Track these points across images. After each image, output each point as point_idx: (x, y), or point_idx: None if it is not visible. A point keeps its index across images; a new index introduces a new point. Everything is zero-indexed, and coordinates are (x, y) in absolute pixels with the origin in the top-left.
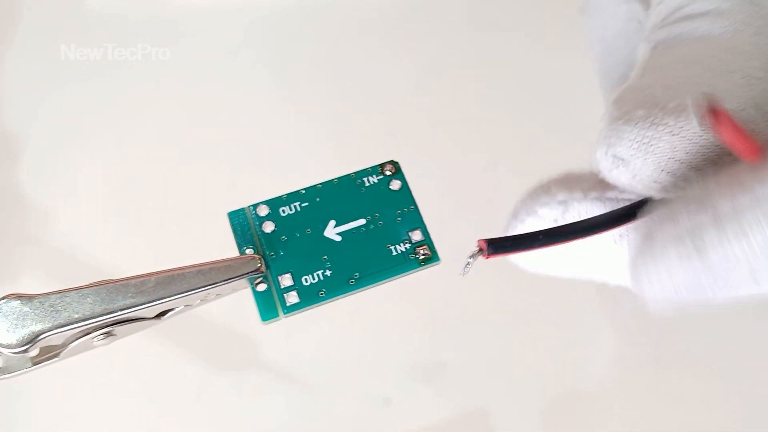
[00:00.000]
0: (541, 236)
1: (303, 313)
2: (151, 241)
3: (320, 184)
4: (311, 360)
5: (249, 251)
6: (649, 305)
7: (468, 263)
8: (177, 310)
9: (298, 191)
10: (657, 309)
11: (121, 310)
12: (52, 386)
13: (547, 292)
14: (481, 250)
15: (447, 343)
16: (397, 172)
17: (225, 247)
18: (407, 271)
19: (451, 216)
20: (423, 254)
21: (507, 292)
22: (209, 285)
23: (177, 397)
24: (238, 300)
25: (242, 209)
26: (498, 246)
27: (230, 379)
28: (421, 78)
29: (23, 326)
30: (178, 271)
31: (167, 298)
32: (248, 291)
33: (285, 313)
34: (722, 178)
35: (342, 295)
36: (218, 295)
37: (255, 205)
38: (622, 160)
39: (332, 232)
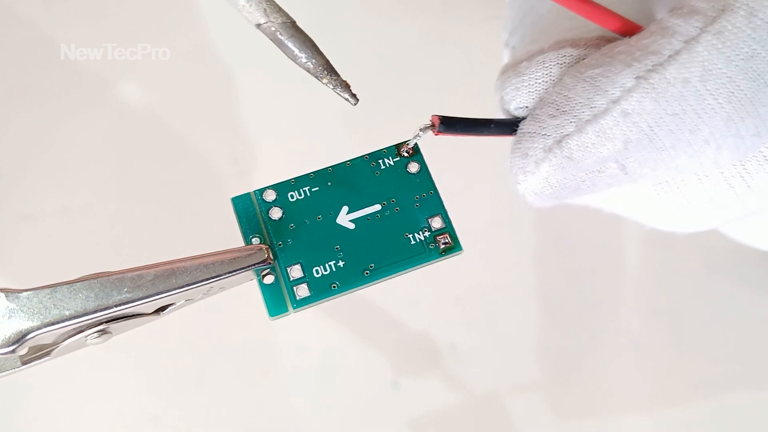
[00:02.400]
0: (492, 125)
1: (314, 308)
2: (149, 231)
3: (331, 167)
4: (318, 343)
5: (255, 240)
6: (527, 199)
7: (417, 135)
8: (178, 304)
9: (307, 175)
10: (534, 202)
11: (116, 306)
12: (46, 379)
13: (558, 274)
14: (432, 125)
15: (457, 325)
16: (416, 154)
17: (229, 236)
18: (427, 261)
19: (468, 199)
20: (444, 243)
21: (519, 272)
22: (212, 278)
23: (180, 382)
24: (244, 290)
25: (247, 194)
26: (450, 124)
27: (235, 364)
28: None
29: (10, 324)
30: (178, 264)
31: (167, 292)
32: (254, 283)
33: (295, 308)
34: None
35: (356, 288)
36: (222, 289)
37: (261, 190)
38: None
39: (345, 219)
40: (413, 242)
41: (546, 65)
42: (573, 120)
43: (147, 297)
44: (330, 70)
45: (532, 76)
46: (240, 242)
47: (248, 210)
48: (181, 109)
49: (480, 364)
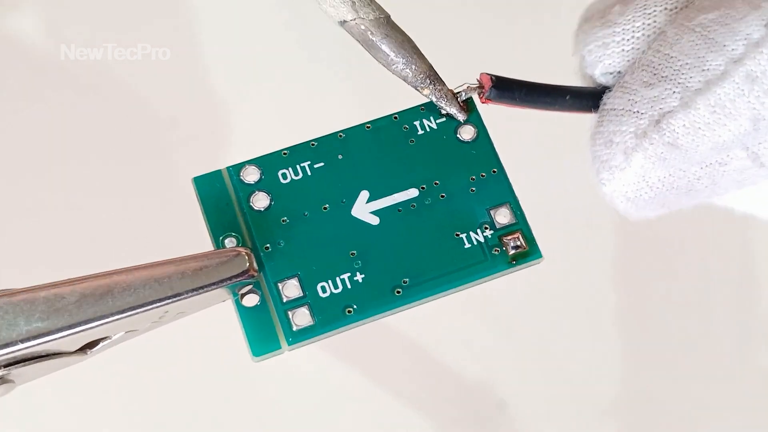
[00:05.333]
0: (566, 96)
1: (318, 343)
2: (75, 229)
3: (344, 131)
4: (318, 389)
5: (230, 242)
6: (617, 207)
7: (459, 93)
8: (114, 338)
9: (307, 143)
10: (629, 211)
11: (22, 341)
12: None
13: (655, 297)
14: (480, 88)
15: (509, 372)
16: (471, 112)
17: (192, 235)
18: (489, 274)
19: (531, 186)
20: (515, 247)
21: (598, 294)
22: (166, 299)
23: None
24: (216, 315)
25: (217, 173)
26: (506, 89)
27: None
28: None
29: None
30: (117, 277)
31: (98, 321)
32: (230, 306)
33: (291, 344)
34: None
35: (381, 314)
36: (181, 314)
37: (238, 167)
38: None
39: (365, 210)
40: (467, 245)
41: (648, 11)
42: (677, 89)
43: (68, 328)
44: (434, 78)
45: (627, 27)
46: (208, 246)
47: (219, 196)
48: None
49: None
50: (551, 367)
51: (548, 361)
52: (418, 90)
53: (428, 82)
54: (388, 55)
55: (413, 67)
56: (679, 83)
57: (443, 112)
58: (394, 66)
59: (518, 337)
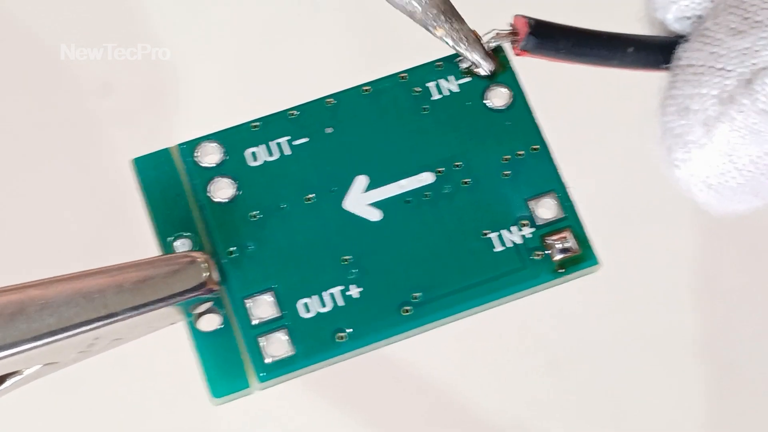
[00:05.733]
0: (629, 47)
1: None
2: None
3: (334, 95)
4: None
5: (181, 245)
6: (695, 196)
7: (486, 43)
8: (29, 372)
9: (284, 112)
10: (710, 202)
11: None
12: None
13: (742, 315)
14: (514, 34)
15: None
16: (505, 70)
17: (131, 235)
18: (529, 287)
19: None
20: (563, 250)
21: (669, 314)
22: (97, 321)
23: None
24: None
25: (164, 152)
26: (547, 38)
27: None
28: None
29: None
30: (31, 292)
31: (5, 350)
32: (182, 329)
33: (262, 380)
34: None
35: (385, 341)
36: (117, 341)
37: (193, 144)
38: None
39: (362, 201)
40: (499, 248)
41: None
42: None
43: None
44: (450, 14)
45: None
46: (154, 250)
47: (167, 184)
48: None
49: None
50: (616, 414)
51: (610, 405)
52: (429, 30)
53: (442, 19)
54: None
55: (424, 1)
56: None
57: (463, 66)
58: (400, 1)
59: (568, 373)
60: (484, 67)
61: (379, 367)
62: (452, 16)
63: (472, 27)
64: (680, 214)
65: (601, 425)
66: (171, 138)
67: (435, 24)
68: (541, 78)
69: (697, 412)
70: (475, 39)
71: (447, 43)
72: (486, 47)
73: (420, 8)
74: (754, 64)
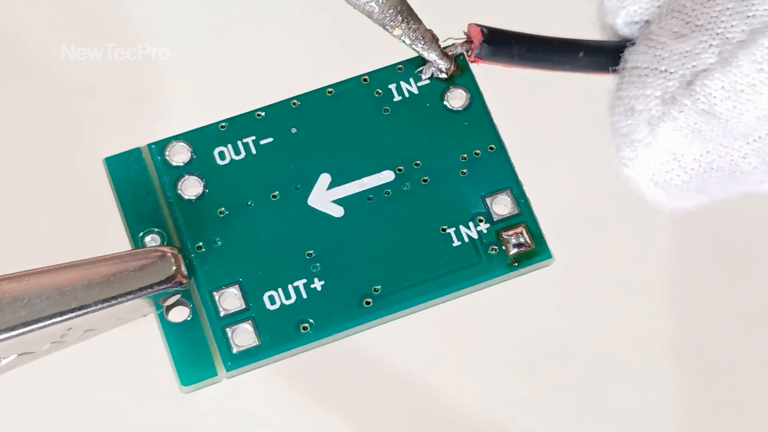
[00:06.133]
0: (579, 52)
1: (267, 368)
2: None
3: (298, 97)
4: None
5: (152, 240)
6: (644, 193)
7: (439, 57)
8: (4, 362)
9: (251, 113)
10: (658, 198)
11: None
12: None
13: (712, 317)
14: (469, 43)
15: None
16: (463, 72)
17: (102, 231)
18: (485, 279)
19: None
20: (518, 245)
21: (643, 315)
22: (69, 313)
23: None
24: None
25: (135, 151)
26: (501, 45)
27: None
28: None
29: None
30: (4, 286)
31: None
32: (152, 321)
33: (229, 369)
34: None
35: (346, 332)
36: (90, 332)
37: (162, 143)
38: None
39: (325, 198)
40: (457, 243)
41: None
42: (715, 42)
43: None
44: (407, 14)
45: None
46: (125, 245)
47: (138, 181)
48: None
49: None
50: (590, 415)
51: (584, 406)
52: (387, 29)
53: (399, 19)
54: None
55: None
56: (717, 34)
57: (425, 77)
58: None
59: (530, 373)
60: (441, 66)
61: (341, 357)
62: (409, 16)
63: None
64: (652, 215)
65: (575, 427)
66: (144, 137)
67: (392, 24)
68: (498, 80)
69: (670, 414)
70: (431, 38)
71: (404, 42)
72: (442, 48)
73: (377, 8)
74: (694, 66)
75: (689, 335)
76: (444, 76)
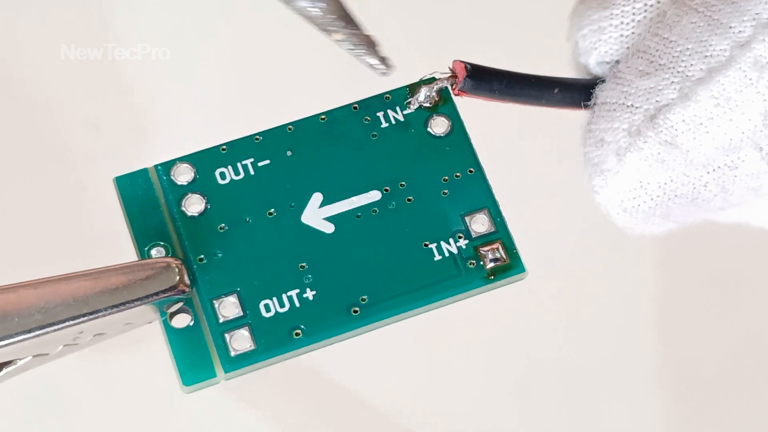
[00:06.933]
0: (555, 89)
1: (261, 372)
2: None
3: (293, 123)
4: None
5: (157, 253)
6: (613, 219)
7: (431, 85)
8: (21, 363)
9: (250, 137)
10: (626, 224)
11: None
12: None
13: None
14: (453, 77)
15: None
16: (445, 103)
17: (113, 245)
18: (463, 291)
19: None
20: (494, 260)
21: (634, 334)
22: (80, 317)
23: None
24: (141, 336)
25: (143, 171)
26: (483, 80)
27: None
28: None
29: None
30: (22, 291)
31: (1, 342)
32: (157, 326)
33: (228, 371)
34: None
35: (335, 338)
36: (99, 336)
37: (168, 164)
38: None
39: (318, 215)
40: (438, 257)
41: None
42: (676, 79)
43: None
44: (346, 20)
45: (626, 8)
46: (132, 256)
47: (145, 199)
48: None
49: None
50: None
51: (536, 405)
52: (327, 35)
53: (340, 23)
54: None
55: (321, 3)
56: (678, 72)
57: (412, 108)
58: (296, 3)
59: (519, 394)
60: (381, 70)
61: (331, 361)
62: (349, 21)
63: (420, 74)
64: (605, 232)
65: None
66: (149, 159)
67: (333, 29)
68: (479, 111)
69: None
70: (371, 44)
71: (345, 47)
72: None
73: (319, 13)
74: (657, 101)
75: (676, 358)
76: (429, 105)
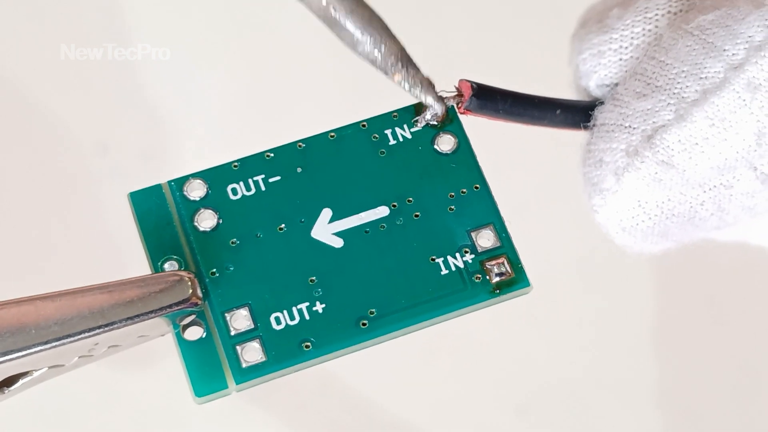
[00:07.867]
0: (557, 110)
1: (272, 383)
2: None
3: (304, 140)
4: None
5: (170, 267)
6: (613, 238)
7: (432, 110)
8: (37, 374)
9: (261, 154)
10: (625, 243)
11: None
12: None
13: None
14: (459, 96)
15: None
16: (451, 122)
17: (127, 259)
18: (469, 305)
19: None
20: (499, 274)
21: (635, 352)
22: (96, 329)
23: None
24: (153, 349)
25: (156, 187)
26: (488, 99)
27: None
28: None
29: None
30: (39, 304)
31: (16, 352)
32: (170, 339)
33: (239, 383)
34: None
35: (344, 350)
36: (114, 348)
37: (181, 180)
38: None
39: (327, 230)
40: (445, 271)
41: (650, 15)
42: (672, 101)
43: None
44: (406, 61)
45: (625, 33)
46: (146, 269)
47: (158, 214)
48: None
49: None
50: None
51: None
52: (388, 76)
53: (400, 66)
54: (352, 33)
55: (382, 47)
56: (674, 93)
57: (419, 126)
58: (360, 47)
59: (522, 416)
60: (437, 109)
61: (340, 373)
62: (408, 63)
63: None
64: (605, 248)
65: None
66: (165, 175)
67: (393, 70)
68: (485, 127)
69: None
70: (428, 84)
71: (404, 87)
72: (438, 94)
73: (380, 56)
74: (654, 122)
75: (675, 374)
76: (435, 123)
